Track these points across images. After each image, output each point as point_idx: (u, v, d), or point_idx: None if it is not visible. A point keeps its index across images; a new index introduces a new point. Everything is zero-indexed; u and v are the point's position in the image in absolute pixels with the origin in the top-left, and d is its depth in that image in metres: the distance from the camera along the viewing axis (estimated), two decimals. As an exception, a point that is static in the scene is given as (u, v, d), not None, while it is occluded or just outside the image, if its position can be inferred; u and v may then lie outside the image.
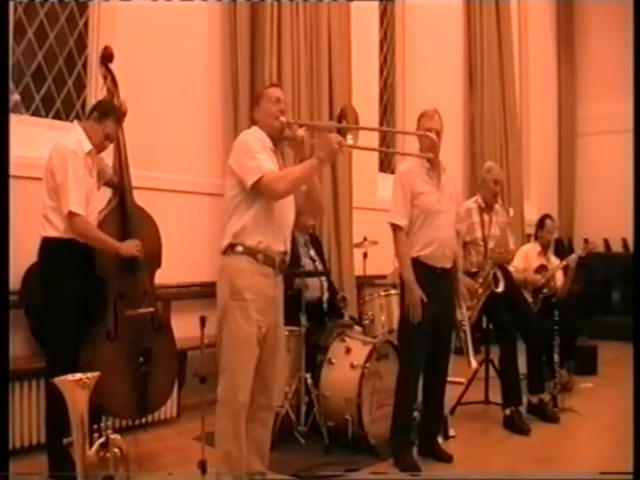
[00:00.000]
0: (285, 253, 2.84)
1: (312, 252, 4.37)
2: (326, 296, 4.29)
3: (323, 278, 4.33)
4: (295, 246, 4.17)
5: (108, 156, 3.42)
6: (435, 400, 3.67)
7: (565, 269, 5.35)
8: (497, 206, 4.56)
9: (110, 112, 3.18)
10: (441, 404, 3.74)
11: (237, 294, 2.67)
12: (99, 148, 3.17)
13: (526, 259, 5.29)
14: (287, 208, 2.84)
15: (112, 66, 3.46)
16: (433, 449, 3.63)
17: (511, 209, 4.68)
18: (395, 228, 3.50)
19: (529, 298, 5.08)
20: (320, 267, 4.38)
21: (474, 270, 4.43)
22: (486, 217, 4.50)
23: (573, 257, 5.34)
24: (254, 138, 2.79)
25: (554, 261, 5.43)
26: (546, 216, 5.53)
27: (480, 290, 4.33)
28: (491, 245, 4.42)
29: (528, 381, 4.51)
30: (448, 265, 3.59)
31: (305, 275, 3.95)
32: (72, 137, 3.08)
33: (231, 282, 2.68)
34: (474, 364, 3.92)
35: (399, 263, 3.52)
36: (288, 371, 3.85)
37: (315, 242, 4.51)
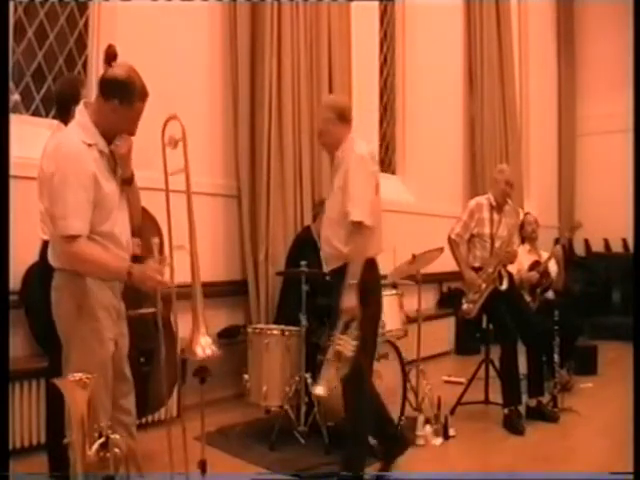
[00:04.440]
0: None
1: None
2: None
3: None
4: (318, 252, 4.28)
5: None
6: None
7: (556, 259, 5.43)
8: (507, 207, 4.57)
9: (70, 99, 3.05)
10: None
11: (88, 315, 2.37)
12: None
13: (517, 262, 5.32)
14: (126, 227, 2.58)
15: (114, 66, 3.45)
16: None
17: (522, 210, 4.68)
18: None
19: (527, 297, 5.11)
20: None
21: (477, 265, 4.45)
22: (496, 216, 4.51)
23: (557, 247, 5.47)
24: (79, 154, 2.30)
25: (545, 255, 5.50)
26: (525, 213, 5.66)
27: (484, 285, 4.34)
28: (497, 245, 4.44)
29: (528, 383, 4.50)
30: (332, 265, 3.16)
31: (305, 274, 3.94)
32: None
33: (77, 300, 2.35)
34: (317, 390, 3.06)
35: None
36: (288, 371, 3.85)
37: None
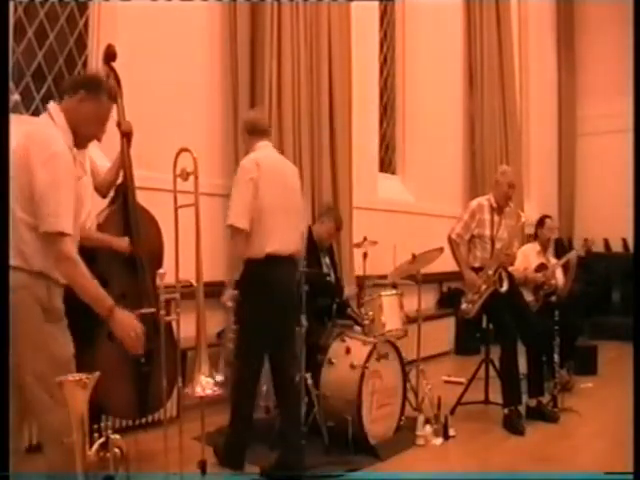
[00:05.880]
0: None
1: (327, 260, 4.55)
2: (335, 304, 4.34)
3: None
4: (317, 254, 4.38)
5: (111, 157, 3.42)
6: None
7: (565, 267, 5.41)
8: (508, 209, 4.56)
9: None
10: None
11: (56, 314, 2.31)
12: None
13: (525, 259, 5.33)
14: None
15: (113, 65, 3.46)
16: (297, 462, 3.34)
17: (523, 214, 4.69)
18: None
19: (529, 297, 5.12)
20: (333, 276, 4.55)
21: (477, 265, 4.45)
22: (496, 218, 4.51)
23: (573, 254, 5.43)
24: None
25: (553, 261, 5.50)
26: (546, 216, 5.68)
27: (483, 287, 4.34)
28: (498, 246, 4.43)
29: (528, 383, 4.50)
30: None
31: (305, 274, 3.94)
32: None
33: (43, 300, 2.24)
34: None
35: None
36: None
37: (331, 252, 4.68)
